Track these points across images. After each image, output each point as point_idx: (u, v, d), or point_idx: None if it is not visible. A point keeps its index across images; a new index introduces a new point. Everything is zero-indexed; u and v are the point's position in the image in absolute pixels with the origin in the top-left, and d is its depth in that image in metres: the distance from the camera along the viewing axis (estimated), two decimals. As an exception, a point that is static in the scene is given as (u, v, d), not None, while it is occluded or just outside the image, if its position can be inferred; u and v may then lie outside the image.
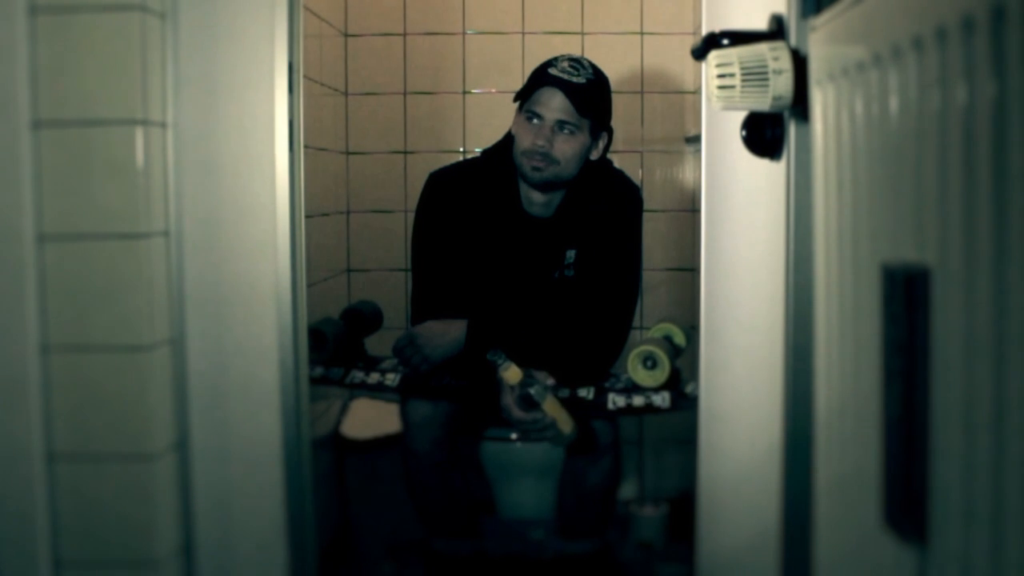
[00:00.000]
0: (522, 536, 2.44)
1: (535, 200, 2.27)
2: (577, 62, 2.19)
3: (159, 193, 1.61)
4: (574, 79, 2.15)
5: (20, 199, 1.55)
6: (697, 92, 2.71)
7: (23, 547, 1.59)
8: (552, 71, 2.16)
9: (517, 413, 2.11)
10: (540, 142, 2.15)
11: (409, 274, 3.06)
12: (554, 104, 2.15)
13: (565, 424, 2.13)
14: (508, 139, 2.28)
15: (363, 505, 2.71)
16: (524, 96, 2.20)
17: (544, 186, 2.22)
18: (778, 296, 1.29)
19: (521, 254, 2.29)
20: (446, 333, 2.23)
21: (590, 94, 2.16)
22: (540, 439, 2.19)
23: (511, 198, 2.28)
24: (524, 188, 2.27)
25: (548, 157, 2.16)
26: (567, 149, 2.17)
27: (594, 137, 2.21)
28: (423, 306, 2.31)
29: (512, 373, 2.09)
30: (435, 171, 2.36)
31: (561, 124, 2.15)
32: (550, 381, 2.15)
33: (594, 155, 2.24)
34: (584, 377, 2.27)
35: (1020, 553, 0.67)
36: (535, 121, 2.17)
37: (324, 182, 2.78)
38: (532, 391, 2.09)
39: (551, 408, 2.11)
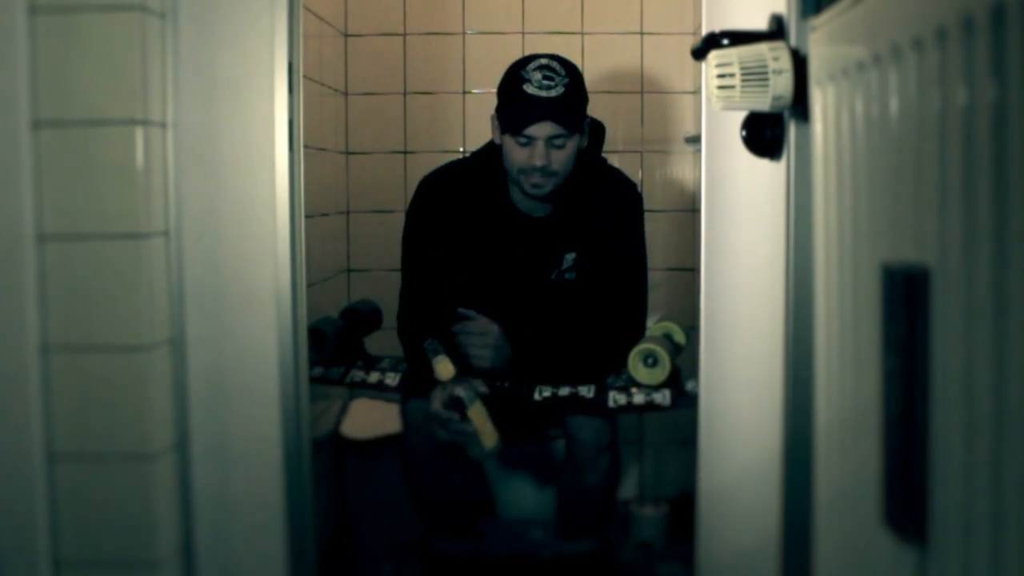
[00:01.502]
0: (522, 536, 2.44)
1: (528, 199, 2.27)
2: (549, 70, 2.13)
3: (159, 193, 1.61)
4: (552, 93, 2.09)
5: (20, 199, 1.55)
6: (697, 92, 2.71)
7: (23, 547, 1.59)
8: (529, 89, 2.09)
9: (436, 406, 2.06)
10: (538, 162, 2.12)
11: (400, 271, 3.06)
12: (543, 126, 2.11)
13: (488, 437, 2.05)
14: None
15: (363, 505, 2.71)
16: (507, 123, 2.14)
17: (545, 197, 2.22)
18: (778, 296, 1.29)
19: (516, 254, 2.29)
20: (489, 335, 2.22)
21: (573, 104, 2.13)
22: (457, 442, 2.13)
23: (502, 198, 2.28)
24: (515, 187, 2.27)
25: (547, 171, 2.14)
26: (564, 158, 2.15)
27: (581, 131, 2.20)
28: (409, 309, 2.31)
29: (444, 368, 2.04)
30: (427, 176, 2.35)
31: (552, 139, 2.12)
32: (482, 388, 2.12)
33: (583, 143, 2.22)
34: (596, 376, 2.27)
35: (1020, 553, 0.67)
36: (528, 143, 2.13)
37: (324, 182, 2.78)
38: (463, 393, 2.04)
39: (476, 416, 2.04)
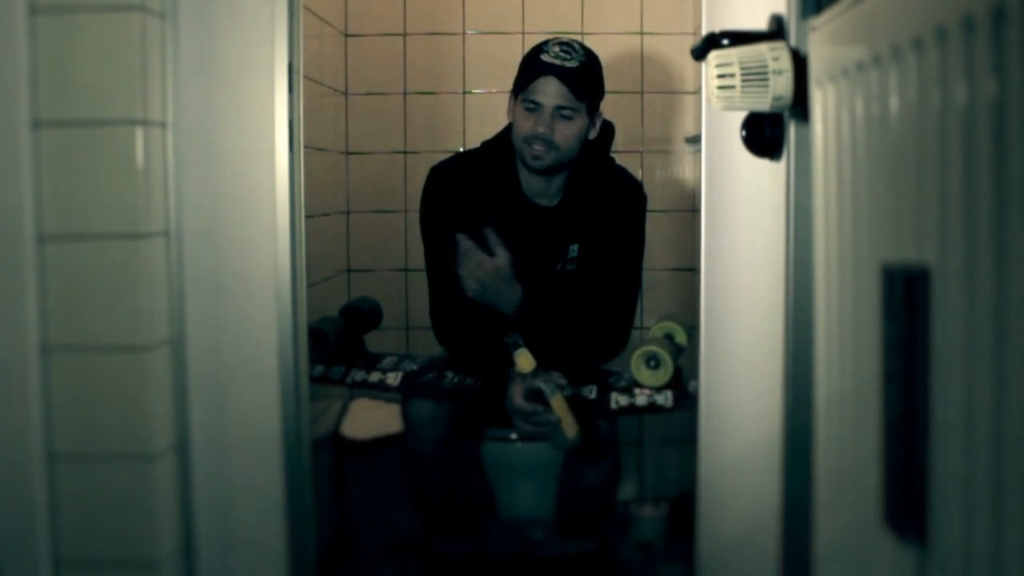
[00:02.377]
0: (522, 536, 2.44)
1: (536, 185, 2.28)
2: (568, 46, 2.20)
3: (159, 193, 1.61)
4: (568, 64, 2.16)
5: (20, 199, 1.55)
6: (697, 92, 2.71)
7: (23, 547, 1.59)
8: (545, 58, 2.17)
9: (518, 401, 2.08)
10: (540, 128, 2.16)
11: (409, 274, 3.07)
12: (551, 92, 2.15)
13: (570, 428, 2.08)
14: (507, 130, 2.29)
15: (363, 505, 2.71)
16: (520, 86, 2.20)
17: (546, 171, 2.23)
18: (778, 296, 1.29)
19: (524, 242, 2.30)
20: (505, 287, 2.20)
21: (585, 77, 2.18)
22: (539, 435, 2.15)
23: (512, 185, 2.29)
24: (524, 174, 2.28)
25: (549, 143, 2.17)
26: (568, 133, 2.18)
27: (591, 117, 2.23)
28: (439, 301, 2.31)
29: (525, 360, 2.06)
30: (436, 164, 2.37)
31: (559, 109, 2.16)
32: (562, 381, 2.14)
33: (592, 134, 2.25)
34: (585, 370, 2.27)
35: (1020, 553, 0.67)
36: (534, 110, 2.18)
37: (324, 182, 2.78)
38: (543, 385, 2.07)
39: (558, 407, 2.08)
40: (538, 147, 2.18)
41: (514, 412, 2.12)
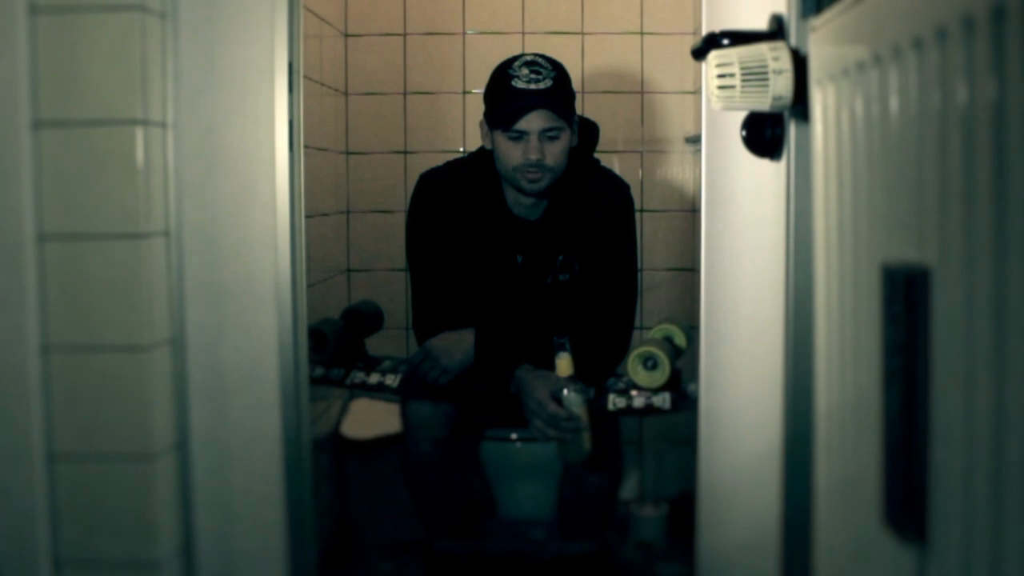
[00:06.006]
0: (522, 536, 2.45)
1: (522, 201, 2.26)
2: (535, 64, 2.15)
3: (159, 193, 1.61)
4: (543, 85, 2.11)
5: (20, 199, 1.55)
6: (697, 92, 2.71)
7: (23, 547, 1.59)
8: (518, 84, 2.11)
9: (552, 407, 2.08)
10: (533, 156, 2.12)
11: (409, 274, 3.07)
12: (535, 119, 2.11)
13: (587, 439, 2.11)
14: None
15: (363, 505, 2.71)
16: (498, 118, 2.14)
17: (542, 193, 2.21)
18: (778, 296, 1.29)
19: (512, 258, 2.29)
20: (460, 342, 2.21)
21: (560, 94, 2.14)
22: (558, 439, 2.12)
23: (497, 202, 2.27)
24: (510, 191, 2.26)
25: (542, 167, 2.14)
26: (557, 152, 2.15)
27: (571, 127, 2.20)
28: (423, 312, 2.30)
29: (566, 364, 2.08)
30: (425, 173, 2.35)
31: (545, 132, 2.13)
32: (590, 391, 2.15)
33: (573, 141, 2.22)
34: (590, 379, 2.27)
35: (1020, 553, 0.67)
36: (519, 138, 2.13)
37: (324, 182, 2.78)
38: (577, 392, 2.08)
39: (586, 416, 2.10)
40: (533, 173, 2.14)
41: (542, 417, 2.09)
